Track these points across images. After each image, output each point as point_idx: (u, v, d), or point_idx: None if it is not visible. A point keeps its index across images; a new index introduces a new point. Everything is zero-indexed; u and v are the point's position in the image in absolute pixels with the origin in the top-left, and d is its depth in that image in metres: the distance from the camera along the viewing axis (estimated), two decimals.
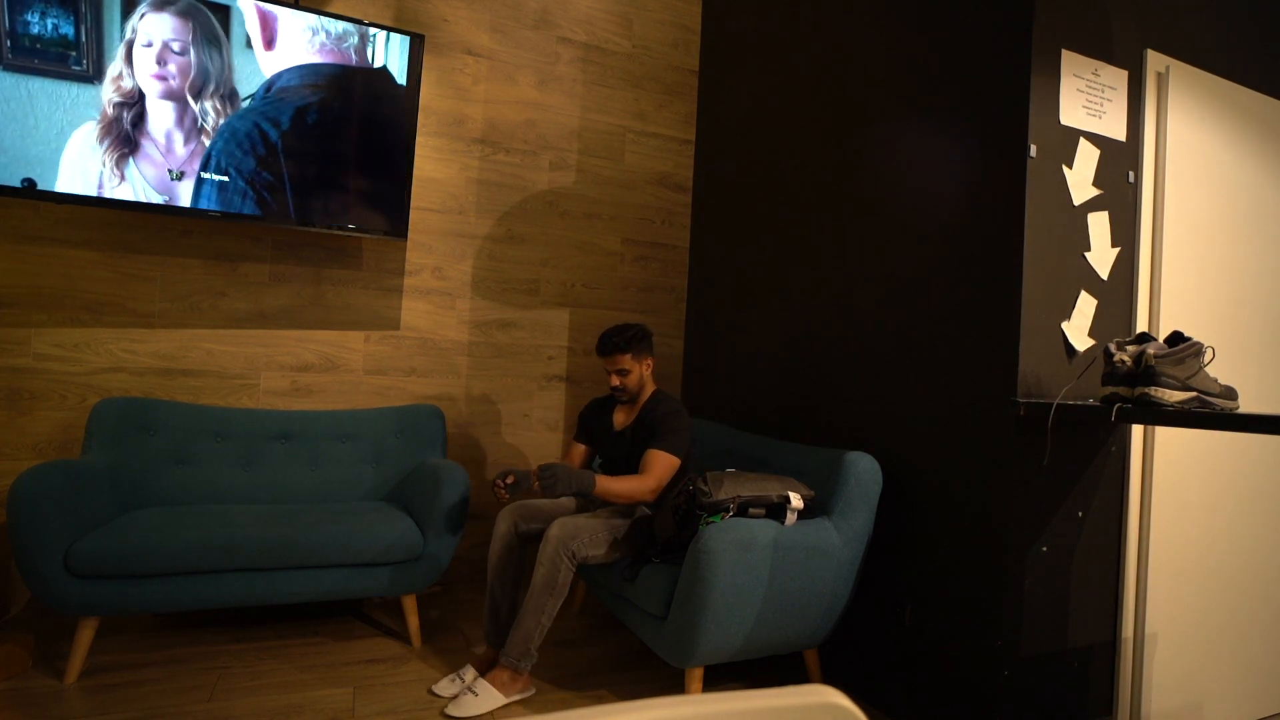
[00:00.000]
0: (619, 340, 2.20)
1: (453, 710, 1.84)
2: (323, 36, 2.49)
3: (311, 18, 2.46)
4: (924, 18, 2.01)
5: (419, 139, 2.83)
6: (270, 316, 2.65)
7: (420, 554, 2.20)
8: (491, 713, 1.88)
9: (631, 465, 2.20)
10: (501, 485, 2.00)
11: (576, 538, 1.95)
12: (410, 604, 2.25)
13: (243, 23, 2.38)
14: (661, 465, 2.11)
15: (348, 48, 2.52)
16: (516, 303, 3.01)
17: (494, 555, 2.09)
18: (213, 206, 2.38)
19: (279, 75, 2.44)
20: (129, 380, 2.48)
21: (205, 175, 2.37)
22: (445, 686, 1.96)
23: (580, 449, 2.40)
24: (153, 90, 2.29)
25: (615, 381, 2.24)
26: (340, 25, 2.51)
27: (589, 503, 2.28)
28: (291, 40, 2.46)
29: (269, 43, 2.43)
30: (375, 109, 2.57)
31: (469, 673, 2.00)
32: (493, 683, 1.90)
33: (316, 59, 2.49)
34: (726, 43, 3.11)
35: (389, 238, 2.66)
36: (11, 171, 2.15)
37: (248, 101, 2.40)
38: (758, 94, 2.81)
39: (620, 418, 2.33)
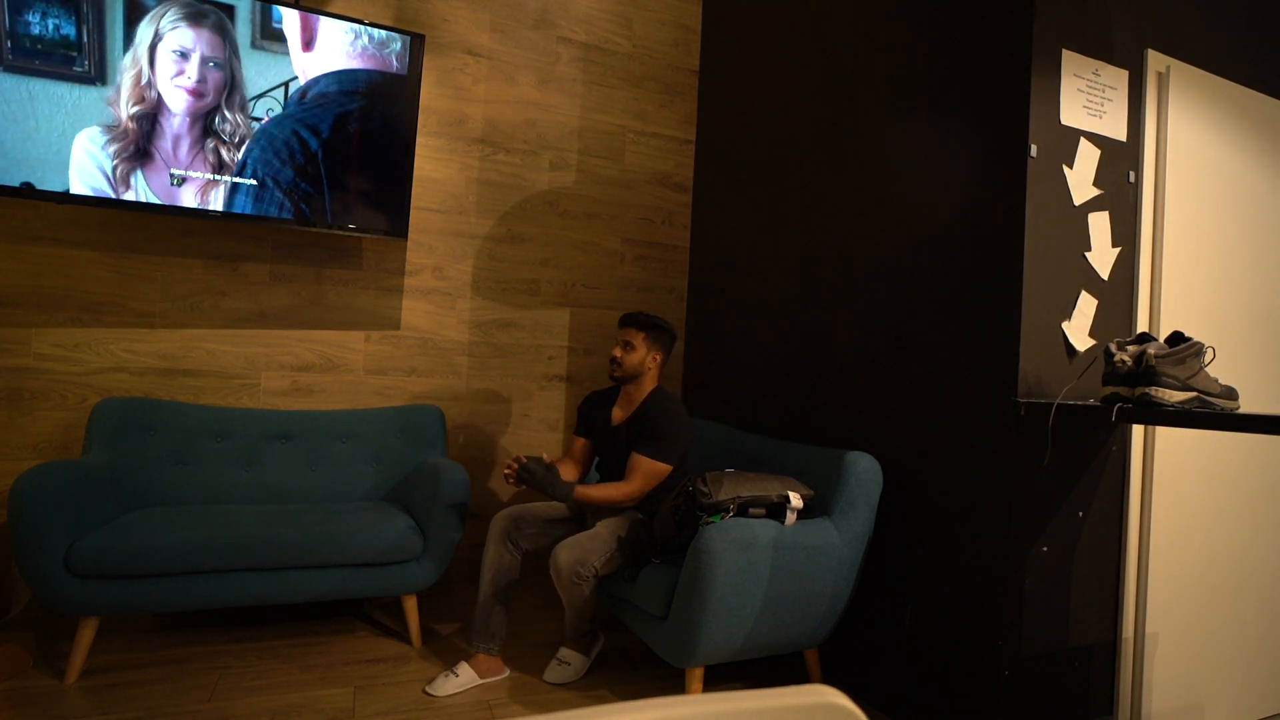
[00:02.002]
0: (641, 318, 2.24)
1: (550, 677, 2.07)
2: (365, 40, 2.50)
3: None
4: (924, 17, 2.01)
5: (419, 139, 2.83)
6: (271, 316, 2.65)
7: (420, 554, 2.20)
8: (492, 708, 1.88)
9: (623, 462, 2.20)
10: (512, 468, 2.05)
11: (586, 562, 1.95)
12: (410, 604, 2.25)
13: (248, 21, 2.39)
14: (644, 472, 2.11)
15: (389, 54, 2.54)
16: (516, 303, 3.01)
17: (488, 563, 2.09)
18: (248, 212, 2.41)
19: (315, 80, 2.47)
20: (129, 380, 2.48)
21: (239, 180, 2.39)
22: (440, 685, 1.97)
23: (581, 442, 2.38)
24: (180, 102, 2.30)
25: (616, 352, 2.23)
26: (382, 31, 2.53)
27: (581, 508, 2.28)
28: (331, 43, 2.48)
29: (308, 44, 2.44)
30: (382, 109, 2.58)
31: (464, 669, 2.01)
32: (578, 648, 2.11)
33: (355, 64, 2.51)
34: (726, 43, 3.11)
35: (389, 237, 2.66)
36: (12, 174, 2.15)
37: (259, 102, 2.40)
38: (758, 94, 2.81)
39: (618, 412, 2.31)
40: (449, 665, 2.13)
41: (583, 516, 2.26)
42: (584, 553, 1.95)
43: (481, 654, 2.05)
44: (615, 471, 2.24)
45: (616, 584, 2.03)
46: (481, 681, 2.02)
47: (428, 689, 1.97)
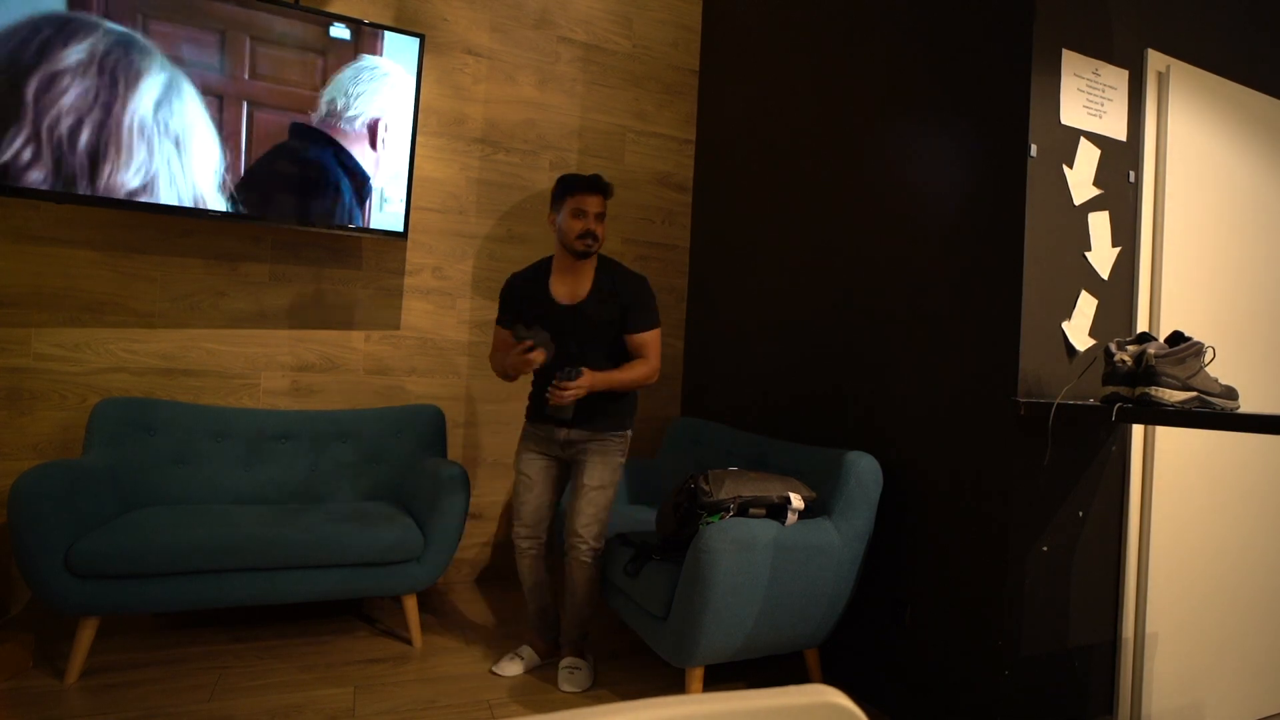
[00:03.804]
0: (604, 182, 2.01)
1: (568, 686, 2.04)
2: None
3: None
4: (924, 17, 2.01)
5: (419, 138, 2.83)
6: (270, 316, 2.65)
7: (420, 554, 2.20)
8: (492, 708, 1.88)
9: (594, 344, 2.01)
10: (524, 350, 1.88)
11: (600, 534, 2.06)
12: (410, 604, 2.25)
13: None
14: (655, 347, 2.05)
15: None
16: None
17: (525, 570, 2.13)
18: (228, 208, 2.39)
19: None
20: (129, 380, 2.48)
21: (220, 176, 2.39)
22: (506, 666, 2.09)
23: (504, 333, 2.08)
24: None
25: (592, 225, 1.96)
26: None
27: (571, 442, 2.07)
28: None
29: None
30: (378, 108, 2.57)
31: (526, 651, 2.14)
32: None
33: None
34: (726, 43, 3.11)
35: (389, 237, 2.66)
36: None
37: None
38: (758, 94, 2.81)
39: (562, 290, 2.02)
40: (449, 664, 2.14)
41: (567, 464, 2.13)
42: (601, 525, 2.04)
43: (540, 640, 2.17)
44: (581, 359, 1.99)
45: (617, 575, 2.04)
46: (542, 661, 2.15)
47: (494, 669, 2.09)
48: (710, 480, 1.86)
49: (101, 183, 2.23)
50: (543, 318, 2.00)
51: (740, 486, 1.85)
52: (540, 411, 2.06)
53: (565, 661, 2.10)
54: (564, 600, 2.13)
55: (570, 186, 2.00)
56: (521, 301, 2.06)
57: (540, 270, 2.08)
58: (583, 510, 2.03)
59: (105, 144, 2.22)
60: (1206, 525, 1.94)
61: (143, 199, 2.29)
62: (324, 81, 2.49)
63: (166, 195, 2.32)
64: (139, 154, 2.27)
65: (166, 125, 2.30)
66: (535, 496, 2.12)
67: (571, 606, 2.09)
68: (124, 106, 2.24)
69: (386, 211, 2.62)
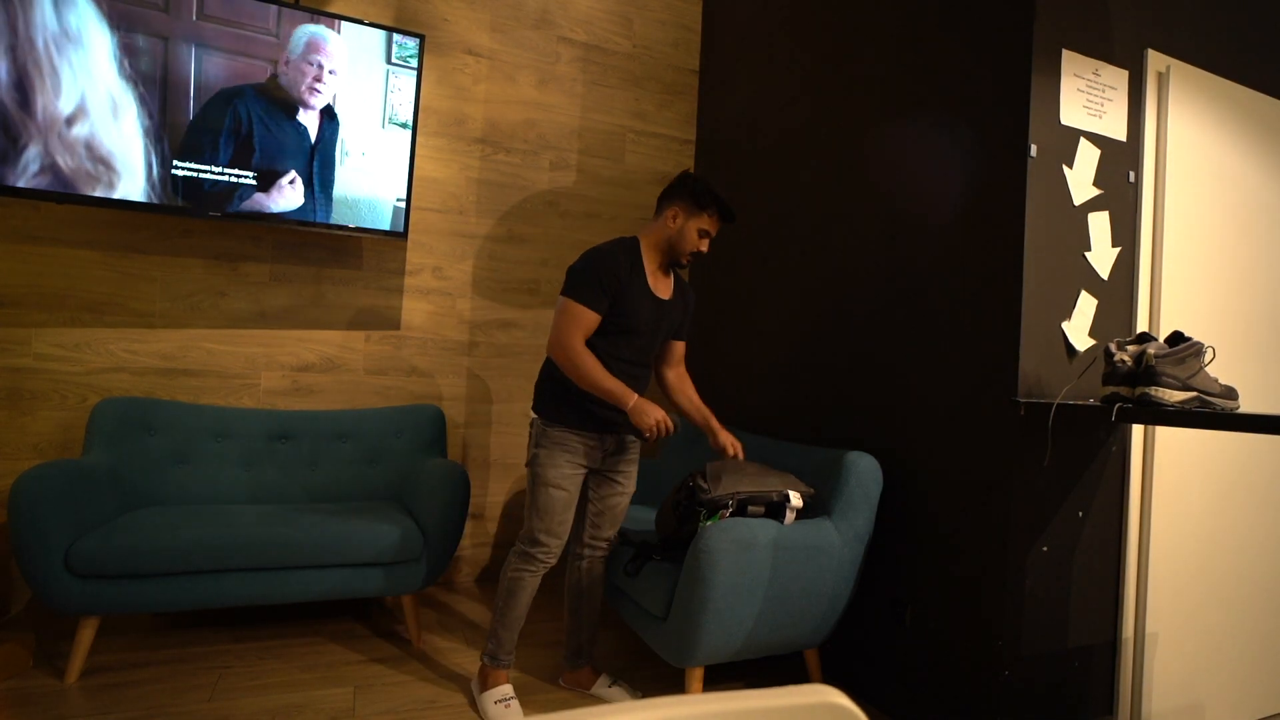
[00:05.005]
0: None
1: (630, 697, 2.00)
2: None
3: None
4: (924, 17, 2.01)
5: (419, 139, 2.83)
6: (270, 316, 2.65)
7: (420, 554, 2.20)
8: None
9: (656, 343, 1.96)
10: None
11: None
12: (410, 604, 2.25)
13: None
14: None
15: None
16: (517, 303, 3.01)
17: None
18: (223, 206, 2.39)
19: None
20: (129, 380, 2.48)
21: (223, 174, 2.38)
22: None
23: (595, 319, 1.80)
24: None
25: (705, 247, 1.92)
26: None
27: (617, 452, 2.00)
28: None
29: None
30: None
31: (605, 679, 2.06)
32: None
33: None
34: (726, 43, 3.11)
35: (389, 237, 2.66)
36: None
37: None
38: (758, 94, 2.81)
39: (658, 285, 1.92)
40: (449, 665, 2.13)
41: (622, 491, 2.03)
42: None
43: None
44: (645, 353, 1.92)
45: (617, 575, 2.04)
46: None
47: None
48: (708, 475, 1.86)
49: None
50: (636, 303, 1.85)
51: (738, 481, 1.84)
52: (594, 420, 1.87)
53: (604, 681, 2.04)
54: (582, 612, 2.01)
55: (712, 206, 1.89)
56: (627, 283, 1.84)
57: (631, 256, 1.88)
58: (617, 516, 2.00)
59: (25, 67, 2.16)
60: (1206, 525, 1.94)
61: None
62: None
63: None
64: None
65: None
66: (570, 509, 1.91)
67: (592, 613, 2.02)
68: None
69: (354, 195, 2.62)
